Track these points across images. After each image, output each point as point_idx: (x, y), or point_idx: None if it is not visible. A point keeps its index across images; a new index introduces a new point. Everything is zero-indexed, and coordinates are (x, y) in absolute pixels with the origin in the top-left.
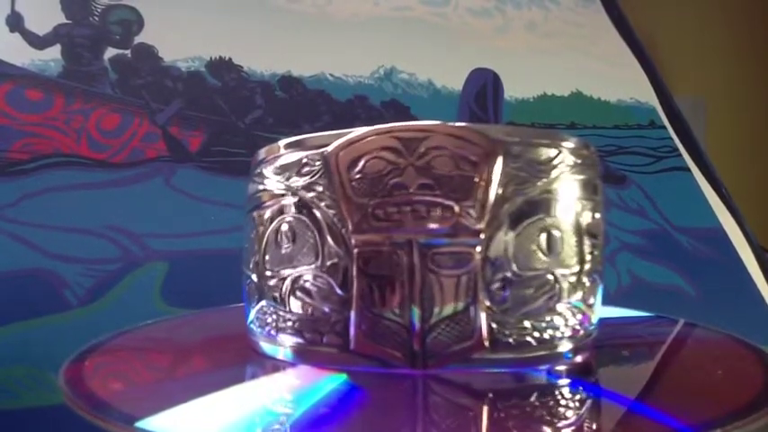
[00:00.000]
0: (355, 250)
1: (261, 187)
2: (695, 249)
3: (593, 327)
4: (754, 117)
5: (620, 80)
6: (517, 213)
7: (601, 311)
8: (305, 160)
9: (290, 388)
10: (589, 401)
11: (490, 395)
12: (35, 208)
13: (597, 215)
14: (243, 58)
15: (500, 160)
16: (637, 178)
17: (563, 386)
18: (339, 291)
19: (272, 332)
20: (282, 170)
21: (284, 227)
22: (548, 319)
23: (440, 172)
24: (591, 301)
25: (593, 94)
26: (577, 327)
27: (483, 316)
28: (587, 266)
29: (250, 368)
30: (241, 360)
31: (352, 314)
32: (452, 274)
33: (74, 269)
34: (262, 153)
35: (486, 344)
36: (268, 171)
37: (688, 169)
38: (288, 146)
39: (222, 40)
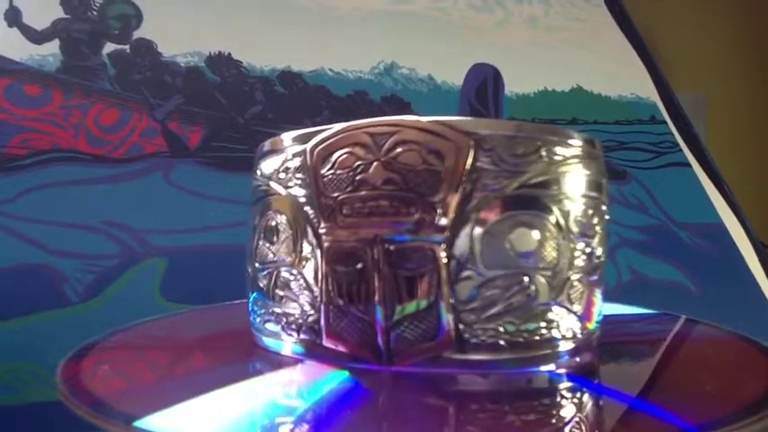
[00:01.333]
0: (325, 245)
1: (257, 182)
2: (696, 245)
3: (588, 329)
4: (755, 114)
5: (620, 76)
6: (487, 210)
7: (602, 310)
8: (289, 156)
9: (289, 385)
10: (589, 400)
11: (462, 396)
12: (34, 203)
13: (591, 213)
14: (242, 53)
15: (470, 154)
16: (637, 174)
17: (564, 387)
18: (312, 286)
19: (262, 324)
20: (272, 165)
21: (272, 221)
22: (521, 321)
23: (406, 167)
24: (581, 303)
25: (593, 89)
26: (566, 330)
27: (448, 315)
28: (576, 267)
29: (250, 364)
30: (241, 356)
31: (322, 309)
32: (415, 272)
33: (73, 265)
34: (265, 146)
35: (453, 344)
36: (262, 166)
37: (689, 165)
38: (283, 140)
39: (221, 35)
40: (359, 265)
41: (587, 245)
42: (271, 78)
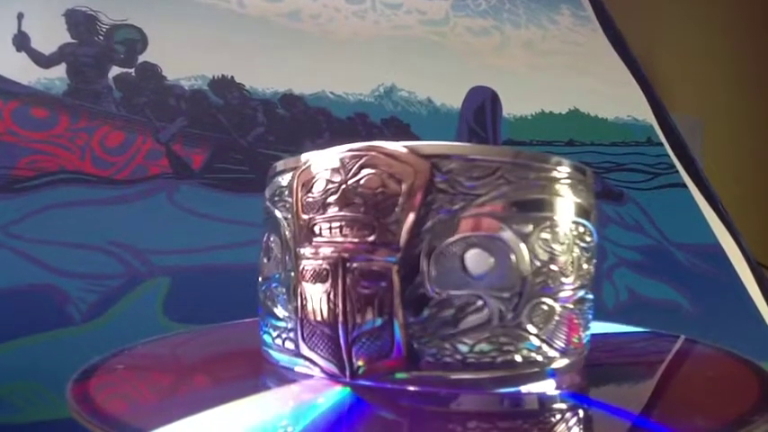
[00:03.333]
0: (300, 264)
1: (264, 204)
2: (692, 265)
3: (555, 353)
4: (750, 137)
5: (617, 98)
6: (441, 231)
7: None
8: (284, 180)
9: (291, 402)
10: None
11: (415, 413)
12: (40, 224)
13: (555, 236)
14: (245, 76)
15: (427, 177)
16: (634, 195)
17: (556, 410)
18: (291, 301)
19: (263, 334)
20: (272, 188)
21: (268, 241)
22: (473, 341)
23: (367, 190)
24: (546, 326)
25: (590, 111)
26: (526, 352)
27: (401, 333)
28: (538, 290)
29: (257, 380)
30: (247, 371)
31: (298, 324)
32: (371, 290)
33: (77, 285)
34: (273, 169)
35: (407, 361)
36: (267, 188)
37: (685, 186)
38: (280, 165)
39: (224, 59)
40: (326, 284)
41: (550, 268)
42: (273, 101)
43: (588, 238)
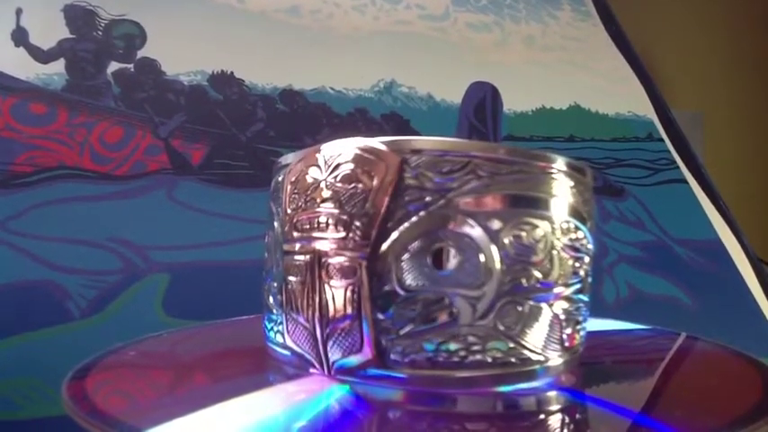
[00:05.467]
0: (284, 259)
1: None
2: (693, 261)
3: (530, 355)
4: (751, 131)
5: (617, 94)
6: (409, 227)
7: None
8: (280, 176)
9: (291, 400)
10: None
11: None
12: (39, 220)
13: (528, 233)
14: (244, 71)
15: (396, 173)
16: (635, 190)
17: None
18: (278, 296)
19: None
20: (272, 185)
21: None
22: (440, 339)
23: (342, 187)
24: (517, 327)
25: (591, 107)
26: (496, 353)
27: (369, 330)
28: (509, 290)
29: (256, 377)
30: (250, 369)
31: (284, 318)
32: (341, 286)
33: (76, 281)
34: (281, 161)
35: (375, 358)
36: (271, 185)
37: (685, 181)
38: (279, 162)
39: (224, 55)
40: (305, 279)
41: (523, 267)
42: (272, 96)
43: (575, 236)
